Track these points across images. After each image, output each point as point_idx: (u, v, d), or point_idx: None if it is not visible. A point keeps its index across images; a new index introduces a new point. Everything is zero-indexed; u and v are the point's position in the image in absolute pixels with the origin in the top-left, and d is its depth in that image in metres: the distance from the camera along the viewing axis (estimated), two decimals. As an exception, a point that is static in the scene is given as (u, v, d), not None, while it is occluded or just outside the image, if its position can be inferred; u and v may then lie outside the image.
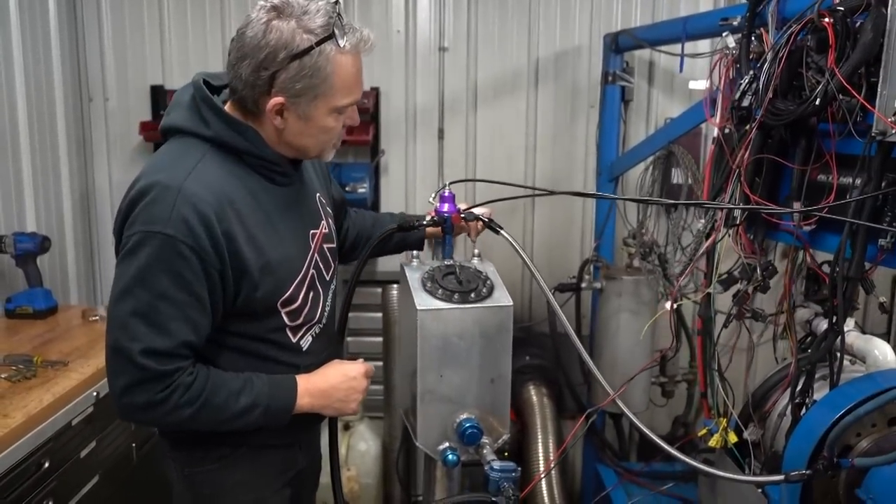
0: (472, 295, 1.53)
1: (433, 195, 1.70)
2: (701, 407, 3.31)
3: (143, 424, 1.96)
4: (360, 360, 1.59)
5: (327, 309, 1.57)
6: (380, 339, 3.37)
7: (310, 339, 1.53)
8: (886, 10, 1.23)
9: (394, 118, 3.35)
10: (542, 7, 3.29)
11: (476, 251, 1.70)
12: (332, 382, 1.51)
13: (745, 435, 1.90)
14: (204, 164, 1.35)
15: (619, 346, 2.86)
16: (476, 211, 1.71)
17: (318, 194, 1.62)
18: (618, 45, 2.91)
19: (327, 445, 1.79)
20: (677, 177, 2.84)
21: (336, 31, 1.30)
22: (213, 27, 3.27)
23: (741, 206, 1.60)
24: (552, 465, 2.77)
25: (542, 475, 2.75)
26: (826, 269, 1.75)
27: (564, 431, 3.29)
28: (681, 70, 2.33)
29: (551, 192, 1.69)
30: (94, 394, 2.03)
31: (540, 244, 3.46)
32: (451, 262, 1.65)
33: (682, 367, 3.26)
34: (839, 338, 1.53)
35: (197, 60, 3.28)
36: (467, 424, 1.52)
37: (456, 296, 1.52)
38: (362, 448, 3.28)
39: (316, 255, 1.52)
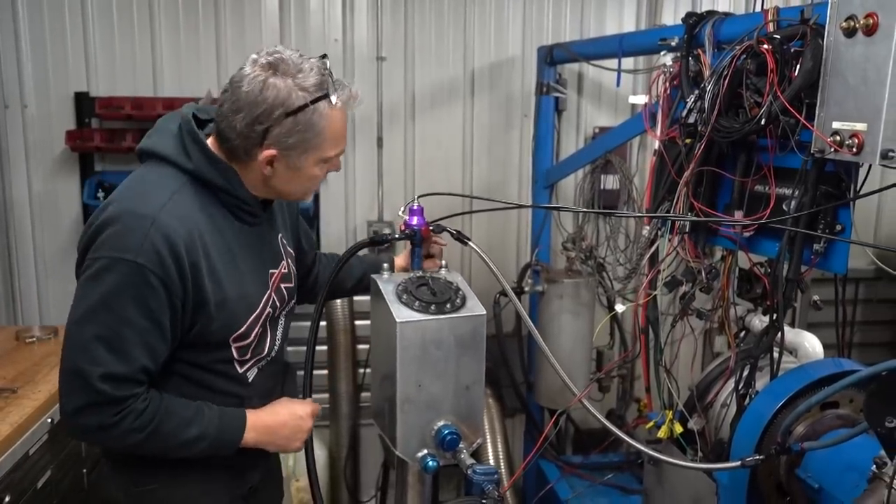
0: (448, 305, 1.56)
1: (402, 208, 1.73)
2: (631, 400, 3.52)
3: (91, 444, 1.95)
4: (310, 399, 1.64)
5: (277, 343, 1.61)
6: (324, 347, 3.36)
7: (255, 371, 1.56)
8: (822, 41, 1.37)
9: None
10: (477, 19, 3.37)
11: (443, 262, 1.74)
12: (280, 420, 1.55)
13: (690, 425, 2.03)
14: (180, 196, 1.39)
15: (561, 346, 2.98)
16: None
17: (280, 235, 1.65)
18: (552, 57, 3.03)
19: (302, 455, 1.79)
20: (613, 183, 2.98)
21: (329, 90, 1.37)
22: (142, 31, 3.14)
23: (692, 217, 1.72)
24: (525, 464, 2.85)
25: (519, 472, 2.82)
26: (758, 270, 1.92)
27: (508, 430, 3.39)
28: (618, 85, 2.46)
29: (519, 206, 1.75)
30: (49, 420, 1.93)
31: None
32: (422, 273, 1.68)
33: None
34: (779, 333, 1.68)
35: (125, 66, 3.15)
36: (446, 431, 1.55)
37: (432, 307, 1.54)
38: (309, 458, 3.24)
39: (273, 293, 1.56)
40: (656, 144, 2.09)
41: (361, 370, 3.39)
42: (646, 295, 2.15)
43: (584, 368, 3.11)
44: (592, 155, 2.82)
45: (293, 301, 1.67)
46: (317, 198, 3.33)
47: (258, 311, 1.50)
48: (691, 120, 1.72)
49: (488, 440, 3.00)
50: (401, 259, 1.81)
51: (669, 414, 2.07)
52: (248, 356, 1.52)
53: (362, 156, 3.39)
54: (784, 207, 1.63)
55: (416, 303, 1.55)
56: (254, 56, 1.38)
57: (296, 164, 1.42)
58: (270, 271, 1.56)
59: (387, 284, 1.62)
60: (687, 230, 1.80)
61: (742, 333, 2.12)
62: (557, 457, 3.39)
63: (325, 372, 3.36)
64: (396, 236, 1.68)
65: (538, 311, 3.08)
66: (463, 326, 1.56)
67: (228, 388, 1.51)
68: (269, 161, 1.40)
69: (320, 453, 3.29)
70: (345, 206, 3.42)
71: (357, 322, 3.34)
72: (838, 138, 1.34)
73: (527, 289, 3.04)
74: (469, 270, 3.36)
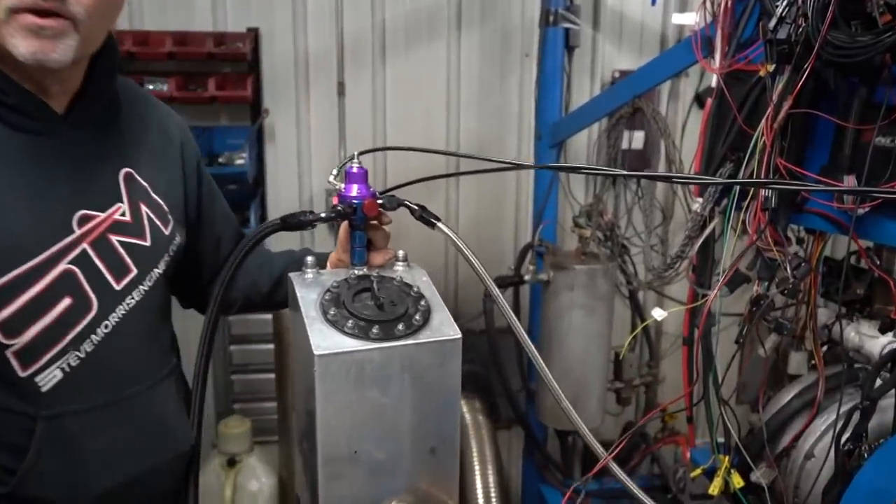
0: (400, 325, 1.08)
1: (335, 172, 1.23)
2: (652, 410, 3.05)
3: None
4: None
5: (104, 329, 1.15)
6: (270, 346, 2.90)
7: (58, 374, 1.11)
8: None
9: (280, 69, 2.86)
10: (465, -73, 2.89)
11: (401, 253, 1.24)
12: None
13: (755, 477, 1.58)
14: None
15: (570, 350, 2.51)
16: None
17: (126, 169, 1.19)
18: (562, -25, 2.49)
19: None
20: (638, 141, 2.46)
21: None
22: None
23: (785, 183, 1.20)
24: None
25: None
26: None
27: (500, 447, 2.93)
28: (653, 2, 1.92)
29: (519, 166, 1.24)
30: None
31: (466, 225, 3.10)
32: (365, 271, 1.18)
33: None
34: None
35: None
36: (398, 521, 1.08)
37: (375, 328, 1.06)
38: (253, 488, 2.80)
39: (87, 245, 1.13)
40: (713, 80, 1.59)
41: (319, 374, 2.91)
42: (692, 295, 1.66)
43: (600, 376, 2.64)
44: (615, 102, 2.30)
45: (155, 269, 1.22)
46: (260, 158, 2.85)
47: (36, 262, 1.07)
48: (783, 35, 1.19)
49: (476, 470, 2.52)
50: (336, 253, 1.31)
51: (725, 461, 1.60)
52: (28, 340, 1.07)
53: (319, 105, 2.93)
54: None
55: (350, 321, 1.08)
56: None
57: None
58: (82, 211, 1.13)
59: (308, 290, 1.14)
60: (773, 204, 1.28)
61: (826, 347, 1.65)
62: (563, 481, 2.94)
63: (271, 376, 2.91)
64: (323, 215, 1.16)
65: (542, 304, 2.62)
66: (425, 358, 1.08)
67: (8, 403, 1.08)
68: None
69: (267, 480, 2.82)
70: (298, 169, 2.98)
71: (313, 316, 2.86)
72: None
73: (528, 277, 2.58)
74: (455, 251, 2.88)
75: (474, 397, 2.83)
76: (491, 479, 2.47)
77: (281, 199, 2.95)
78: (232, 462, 2.78)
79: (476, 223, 3.06)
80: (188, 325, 1.47)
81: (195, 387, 1.19)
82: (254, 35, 2.72)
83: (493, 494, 2.43)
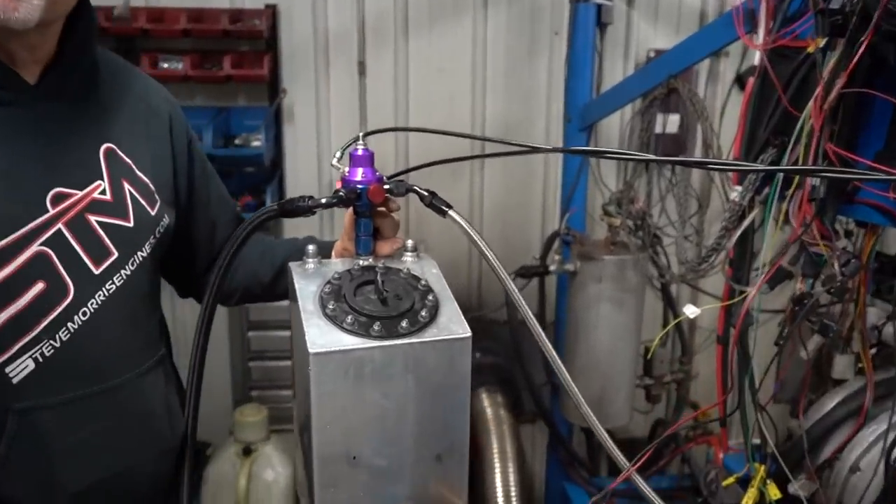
0: (405, 322, 1.00)
1: (338, 154, 1.16)
2: (686, 405, 2.95)
3: None
4: None
5: (82, 317, 1.10)
6: (288, 332, 2.84)
7: (30, 364, 1.04)
8: None
9: (299, 47, 2.78)
10: None
11: (410, 242, 1.17)
12: None
13: (793, 489, 1.48)
14: None
15: (598, 343, 2.42)
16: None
17: (107, 144, 1.13)
18: (595, -54, 2.38)
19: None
20: (673, 125, 2.34)
21: None
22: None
23: (833, 170, 1.09)
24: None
25: None
26: None
27: (524, 442, 2.86)
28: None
29: (536, 150, 1.16)
30: None
31: (492, 211, 3.00)
32: (370, 262, 1.11)
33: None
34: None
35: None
36: (401, 536, 1.02)
37: (377, 325, 0.99)
38: (269, 477, 2.76)
39: (62, 225, 1.07)
40: (755, 58, 1.48)
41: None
42: (729, 290, 1.56)
43: (629, 372, 2.54)
44: (649, 82, 2.18)
45: (139, 252, 1.16)
46: (278, 140, 2.77)
47: (5, 242, 1.01)
48: (836, 5, 1.09)
49: (497, 468, 2.45)
50: (341, 242, 1.25)
51: (761, 470, 1.51)
52: (1, 329, 1.01)
53: (339, 86, 2.84)
54: None
55: (350, 317, 1.01)
56: None
57: None
58: (57, 189, 1.07)
59: (308, 281, 1.08)
60: (821, 194, 1.18)
61: (875, 349, 1.55)
62: (589, 480, 2.85)
63: (289, 363, 2.85)
64: (323, 201, 1.09)
65: (569, 296, 2.52)
66: (430, 358, 1.01)
67: None
68: None
69: (283, 470, 2.78)
70: (317, 151, 2.89)
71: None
72: None
73: (553, 267, 2.47)
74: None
75: (497, 390, 2.76)
76: (511, 476, 2.39)
77: (300, 181, 2.87)
78: (248, 451, 2.74)
79: (502, 209, 2.96)
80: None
81: (190, 379, 1.13)
82: (271, 12, 2.64)
83: (513, 493, 2.35)
